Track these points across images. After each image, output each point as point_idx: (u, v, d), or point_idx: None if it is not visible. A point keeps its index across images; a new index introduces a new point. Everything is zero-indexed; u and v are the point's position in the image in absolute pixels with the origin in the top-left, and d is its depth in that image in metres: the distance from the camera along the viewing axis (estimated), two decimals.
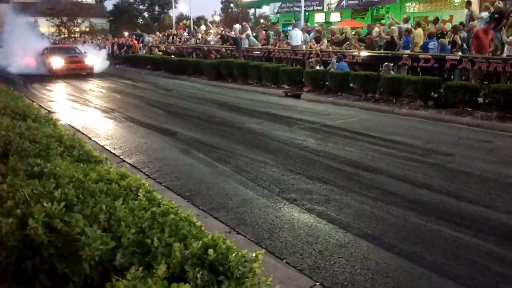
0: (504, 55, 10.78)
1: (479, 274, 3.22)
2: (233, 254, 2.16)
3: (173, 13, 43.80)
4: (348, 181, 5.26)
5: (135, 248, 1.86)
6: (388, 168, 5.73)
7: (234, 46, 18.13)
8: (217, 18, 48.73)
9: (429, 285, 3.07)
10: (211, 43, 21.32)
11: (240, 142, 7.17)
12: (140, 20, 57.26)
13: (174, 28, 29.87)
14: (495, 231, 3.92)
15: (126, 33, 32.80)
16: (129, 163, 5.99)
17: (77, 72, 18.69)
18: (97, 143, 7.10)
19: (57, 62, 18.47)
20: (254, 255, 2.24)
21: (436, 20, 14.75)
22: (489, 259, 3.42)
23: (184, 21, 40.48)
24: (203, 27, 25.27)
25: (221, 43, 20.43)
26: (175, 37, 25.41)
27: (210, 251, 2.06)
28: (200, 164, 5.98)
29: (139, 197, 2.43)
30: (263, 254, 2.22)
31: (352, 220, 4.13)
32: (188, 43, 23.43)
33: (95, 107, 10.99)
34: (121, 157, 6.34)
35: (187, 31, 27.00)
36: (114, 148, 6.84)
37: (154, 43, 26.22)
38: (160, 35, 28.21)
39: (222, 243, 2.23)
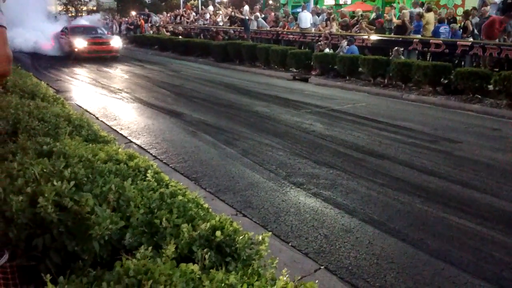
0: None
1: (483, 261, 3.22)
2: (240, 237, 2.18)
3: None
4: (355, 166, 5.26)
5: (144, 228, 1.88)
6: (396, 154, 5.71)
7: (243, 28, 17.98)
8: None
9: (434, 271, 3.09)
10: (220, 24, 21.14)
11: (247, 125, 7.16)
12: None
13: (181, 8, 29.60)
14: (500, 219, 3.92)
15: (133, 13, 32.51)
16: (137, 144, 6.02)
17: (101, 55, 16.88)
18: (104, 123, 7.12)
19: (80, 43, 16.74)
20: (260, 237, 2.26)
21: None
22: (493, 247, 3.43)
23: (192, 1, 40.07)
24: (211, 8, 25.02)
25: (229, 24, 20.25)
26: (182, 17, 25.21)
27: (218, 233, 2.08)
28: (207, 146, 5.99)
29: (147, 178, 2.44)
30: (269, 237, 2.25)
31: (358, 206, 4.14)
32: (196, 23, 23.25)
33: (103, 87, 10.99)
34: (129, 137, 6.37)
35: (195, 11, 26.76)
36: (122, 129, 6.87)
37: (161, 23, 26.04)
38: (168, 15, 27.99)
39: (229, 225, 2.25)
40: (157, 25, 25.85)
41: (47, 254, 1.77)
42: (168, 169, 4.89)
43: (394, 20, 13.54)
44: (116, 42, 17.89)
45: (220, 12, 22.76)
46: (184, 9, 27.55)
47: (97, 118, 7.40)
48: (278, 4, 34.81)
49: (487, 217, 3.95)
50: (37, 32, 19.98)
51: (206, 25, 21.94)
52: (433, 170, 5.14)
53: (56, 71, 14.07)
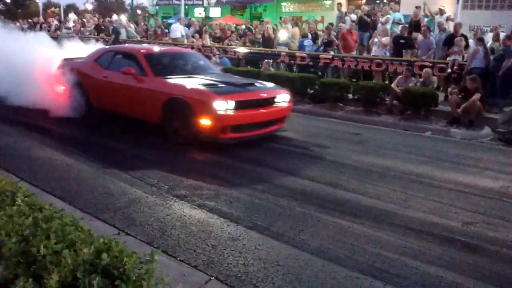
0: (371, 54, 11.92)
1: (358, 255, 3.52)
2: (128, 257, 2.08)
3: None
4: (234, 175, 5.37)
5: (19, 258, 1.68)
6: (272, 162, 5.97)
7: (111, 37, 17.25)
8: (89, 7, 45.80)
9: (316, 269, 3.28)
10: (86, 33, 20.00)
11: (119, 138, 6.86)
12: (0, 6, 51.23)
13: (40, 16, 27.35)
14: (368, 215, 4.33)
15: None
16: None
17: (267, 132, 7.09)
18: None
19: (219, 105, 6.14)
20: (149, 255, 2.18)
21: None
22: (365, 241, 3.77)
23: (53, 9, 37.30)
24: (72, 16, 23.59)
25: (96, 33, 19.28)
26: (43, 25, 23.28)
27: (104, 255, 1.96)
28: (80, 163, 5.59)
29: (17, 203, 2.20)
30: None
31: (243, 213, 4.23)
32: (59, 32, 21.66)
33: None
34: None
35: (57, 19, 24.93)
36: None
37: None
38: (23, 22, 25.55)
39: (115, 246, 2.13)
40: None
41: None
42: (38, 190, 4.43)
43: (270, 33, 14.20)
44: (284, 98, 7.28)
45: (85, 20, 21.57)
46: (45, 17, 25.50)
47: None
48: (147, 14, 34.22)
49: (357, 214, 4.34)
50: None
51: (70, 34, 20.56)
52: (308, 174, 5.48)
53: None
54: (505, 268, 3.45)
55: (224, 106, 6.12)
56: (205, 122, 6.15)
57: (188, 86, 6.54)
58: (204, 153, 6.27)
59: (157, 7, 29.93)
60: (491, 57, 9.82)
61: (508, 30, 12.80)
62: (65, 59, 8.66)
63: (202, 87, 6.51)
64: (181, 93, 6.42)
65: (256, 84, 7.37)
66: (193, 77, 7.19)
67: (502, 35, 10.81)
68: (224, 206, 4.38)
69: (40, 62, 8.55)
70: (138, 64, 7.20)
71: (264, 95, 6.97)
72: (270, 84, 7.72)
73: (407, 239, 3.85)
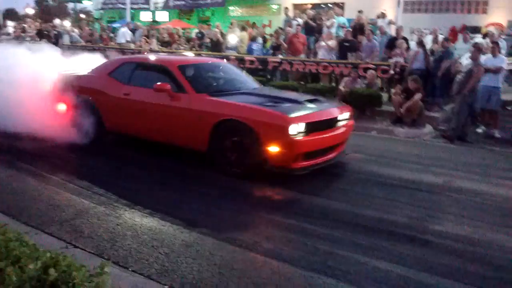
0: (318, 58, 12.21)
1: (310, 254, 3.59)
2: (77, 271, 2.02)
3: None
4: (184, 180, 5.34)
5: None
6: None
7: (54, 42, 16.63)
8: (30, 11, 43.91)
9: (271, 270, 3.31)
10: (27, 39, 19.14)
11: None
12: None
13: None
14: (318, 214, 4.43)
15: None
16: None
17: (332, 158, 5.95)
18: None
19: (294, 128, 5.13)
20: (99, 268, 2.12)
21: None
22: (317, 240, 3.85)
23: None
24: (10, 22, 22.55)
25: (38, 39, 18.49)
26: None
27: (51, 270, 1.89)
28: (24, 175, 5.34)
29: None
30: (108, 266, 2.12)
31: (196, 219, 4.19)
32: None
33: None
34: None
35: None
36: None
37: None
38: None
39: (63, 260, 2.06)
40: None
41: None
42: None
43: (219, 37, 14.19)
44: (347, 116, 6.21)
45: (25, 25, 20.64)
46: None
47: None
48: (91, 19, 33.28)
49: (310, 214, 4.42)
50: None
51: (9, 40, 19.62)
52: (258, 178, 5.52)
53: None
54: (450, 259, 3.63)
55: (296, 129, 5.10)
56: (273, 149, 5.11)
57: (246, 105, 5.42)
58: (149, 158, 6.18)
59: (102, 11, 29.17)
60: (431, 59, 10.35)
61: (446, 32, 13.53)
62: (62, 73, 7.21)
63: (265, 107, 5.39)
64: (239, 114, 5.28)
65: (320, 100, 6.27)
66: (241, 92, 6.11)
67: (440, 38, 11.40)
68: (176, 212, 4.33)
69: (26, 78, 6.99)
70: (171, 79, 5.99)
71: (334, 114, 5.79)
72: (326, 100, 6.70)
73: (357, 236, 3.97)
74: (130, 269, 3.26)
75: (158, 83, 5.82)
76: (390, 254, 3.65)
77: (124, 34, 15.72)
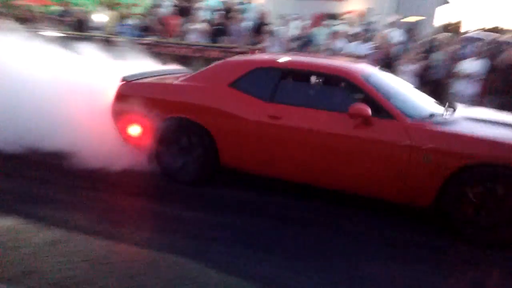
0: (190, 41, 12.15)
1: (181, 241, 3.69)
2: None
3: None
4: (60, 178, 5.05)
5: None
6: None
7: None
8: None
9: (145, 261, 3.34)
10: None
11: None
12: None
13: None
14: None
15: None
16: None
17: None
18: None
19: None
20: None
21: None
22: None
23: None
24: None
25: None
26: None
27: None
28: None
29: None
30: None
31: (61, 215, 4.01)
32: None
33: None
34: None
35: None
36: None
37: None
38: None
39: None
40: None
41: None
42: None
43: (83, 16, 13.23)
44: None
45: None
46: None
47: None
48: None
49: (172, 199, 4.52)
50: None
51: None
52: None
53: None
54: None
55: None
56: None
57: (505, 141, 3.77)
58: None
59: None
60: (294, 44, 11.01)
61: (310, 19, 14.41)
62: (129, 80, 5.12)
63: None
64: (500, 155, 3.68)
65: None
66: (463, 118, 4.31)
67: (304, 24, 12.14)
68: (42, 209, 4.08)
69: (70, 85, 5.30)
70: (362, 95, 4.22)
71: None
72: None
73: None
74: None
75: (356, 104, 4.05)
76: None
77: None
